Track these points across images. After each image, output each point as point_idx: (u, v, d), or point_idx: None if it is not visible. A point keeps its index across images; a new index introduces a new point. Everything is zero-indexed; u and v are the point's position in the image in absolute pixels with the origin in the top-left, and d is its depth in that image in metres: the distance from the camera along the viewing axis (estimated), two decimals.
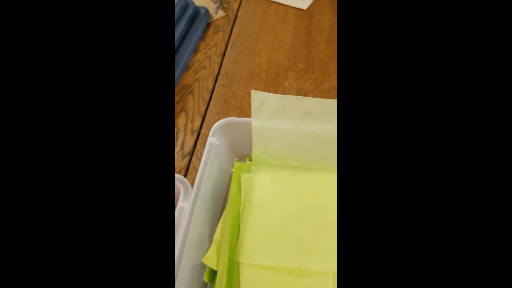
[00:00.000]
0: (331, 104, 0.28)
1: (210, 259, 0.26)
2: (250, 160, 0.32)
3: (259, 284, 0.25)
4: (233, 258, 0.26)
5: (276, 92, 0.40)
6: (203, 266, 0.26)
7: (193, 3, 0.53)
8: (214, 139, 0.29)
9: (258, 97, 0.28)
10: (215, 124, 0.30)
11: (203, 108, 0.44)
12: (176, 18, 0.50)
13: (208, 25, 0.54)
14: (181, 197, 0.27)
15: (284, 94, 0.34)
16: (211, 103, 0.44)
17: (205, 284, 0.27)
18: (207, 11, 0.54)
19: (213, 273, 0.26)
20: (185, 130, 0.42)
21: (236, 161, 0.32)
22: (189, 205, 0.25)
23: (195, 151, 0.39)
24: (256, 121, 0.29)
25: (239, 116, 0.43)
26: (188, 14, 0.51)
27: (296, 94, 0.41)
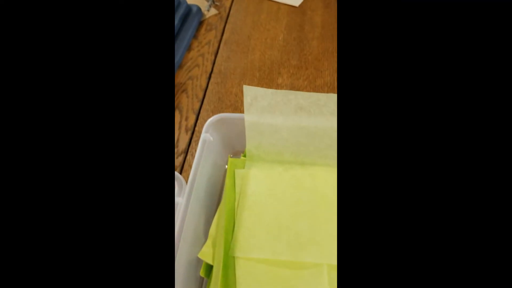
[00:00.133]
0: (324, 98, 0.28)
1: (206, 254, 0.26)
2: (244, 156, 0.32)
3: (255, 278, 0.25)
4: (228, 253, 0.26)
5: None
6: (199, 261, 0.27)
7: (185, 1, 0.53)
8: (207, 135, 0.29)
9: (250, 92, 0.28)
10: (208, 120, 0.30)
11: (197, 106, 0.44)
12: None
13: (200, 23, 0.54)
14: (176, 193, 0.27)
15: None
16: (205, 101, 0.44)
17: (202, 279, 0.27)
18: (199, 9, 0.54)
19: (209, 268, 0.26)
20: (180, 128, 0.42)
21: (231, 157, 0.33)
22: (183, 201, 0.25)
23: (189, 149, 0.39)
24: (249, 117, 0.29)
25: None
26: (180, 12, 0.51)
27: None
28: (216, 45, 0.51)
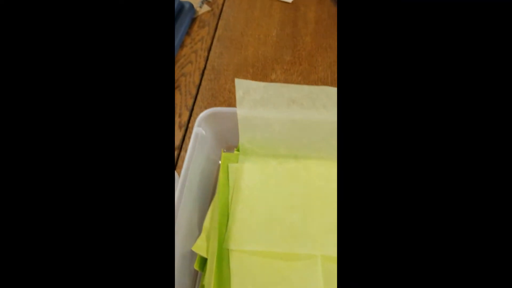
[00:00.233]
0: (316, 91, 0.28)
1: (200, 247, 0.26)
2: (238, 150, 0.32)
3: (249, 270, 0.25)
4: (222, 245, 0.26)
5: None
6: (193, 254, 0.27)
7: None
8: (199, 129, 0.29)
9: (242, 86, 0.28)
10: (201, 114, 0.30)
11: (190, 103, 0.44)
12: None
13: (193, 20, 0.54)
14: None
15: None
16: (198, 97, 0.44)
17: (196, 272, 0.27)
18: (191, 6, 0.54)
19: (204, 261, 0.26)
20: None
21: (224, 152, 0.33)
22: (176, 194, 0.25)
23: (183, 145, 0.39)
24: (242, 110, 0.29)
25: None
26: None
27: None
28: (209, 41, 0.51)
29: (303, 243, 0.26)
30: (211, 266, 0.25)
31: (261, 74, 0.47)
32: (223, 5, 0.57)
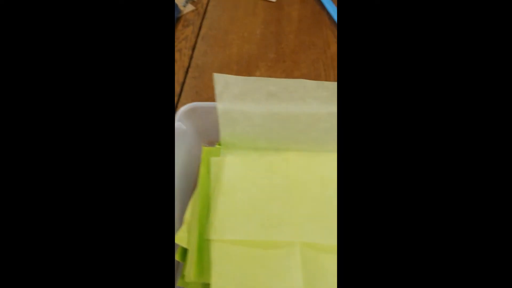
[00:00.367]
0: (293, 84, 0.29)
1: (181, 238, 0.27)
2: (220, 145, 0.33)
3: (229, 259, 0.25)
4: (203, 236, 0.26)
5: None
6: (174, 246, 0.27)
7: None
8: (179, 124, 0.30)
9: (221, 80, 0.29)
10: (181, 109, 0.31)
11: (174, 100, 0.44)
12: None
13: (177, 19, 0.54)
14: None
15: None
16: (182, 95, 0.45)
17: (177, 263, 0.28)
18: (175, 5, 0.54)
19: (185, 252, 0.27)
20: None
21: (204, 146, 0.33)
22: None
23: None
24: (221, 104, 0.30)
25: None
26: None
27: None
28: (193, 40, 0.52)
29: (282, 231, 0.26)
30: (191, 256, 0.25)
31: (245, 71, 0.48)
32: (207, 4, 0.58)
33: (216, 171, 0.30)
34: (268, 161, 0.31)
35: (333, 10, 0.55)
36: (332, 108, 0.29)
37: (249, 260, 0.25)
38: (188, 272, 0.25)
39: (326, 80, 0.47)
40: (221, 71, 0.49)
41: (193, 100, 0.44)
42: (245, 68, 0.48)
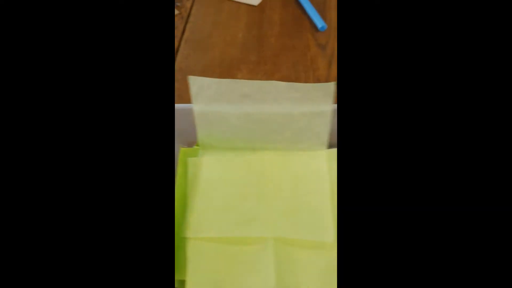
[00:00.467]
0: (266, 86, 0.30)
1: None
2: (198, 146, 0.34)
3: (205, 256, 0.26)
4: (179, 234, 0.27)
5: None
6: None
7: None
8: None
9: (196, 83, 0.30)
10: None
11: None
12: None
13: None
14: None
15: None
16: None
17: None
18: None
19: None
20: None
21: (183, 147, 0.34)
22: None
23: None
24: (197, 106, 0.31)
25: None
26: None
27: None
28: (176, 44, 0.53)
29: (255, 227, 0.27)
30: None
31: (228, 74, 0.49)
32: (191, 8, 0.59)
33: (193, 171, 0.31)
34: (244, 161, 0.32)
35: (313, 14, 0.56)
36: (303, 109, 0.30)
37: (224, 256, 0.26)
38: None
39: (306, 81, 0.49)
40: (203, 74, 0.50)
41: (176, 103, 0.45)
42: (227, 71, 0.49)
